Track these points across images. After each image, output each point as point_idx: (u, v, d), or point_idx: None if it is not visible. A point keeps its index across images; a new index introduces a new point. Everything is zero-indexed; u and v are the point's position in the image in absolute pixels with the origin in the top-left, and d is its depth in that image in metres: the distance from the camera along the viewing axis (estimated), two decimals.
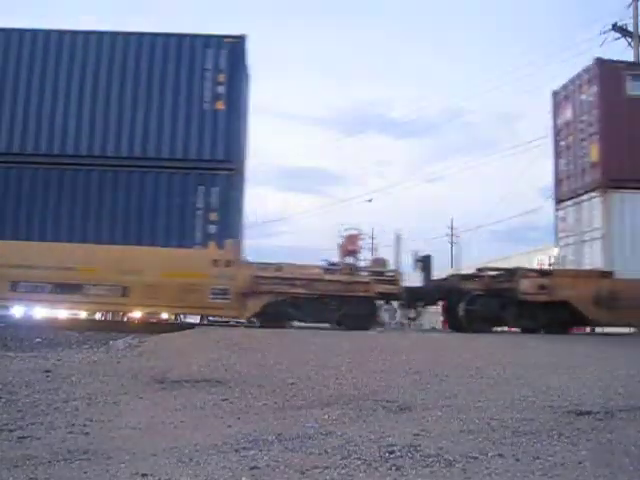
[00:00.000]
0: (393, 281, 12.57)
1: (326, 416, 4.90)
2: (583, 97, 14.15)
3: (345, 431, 4.37)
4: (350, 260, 13.45)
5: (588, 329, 15.89)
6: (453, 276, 14.30)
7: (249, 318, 12.86)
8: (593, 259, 13.39)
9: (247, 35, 12.69)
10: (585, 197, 13.84)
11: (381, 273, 12.78)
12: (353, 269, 12.91)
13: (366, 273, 12.88)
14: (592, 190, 13.50)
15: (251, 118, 14.13)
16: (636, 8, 20.31)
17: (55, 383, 6.23)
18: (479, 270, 14.20)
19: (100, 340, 9.95)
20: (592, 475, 3.39)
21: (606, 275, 12.74)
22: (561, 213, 15.03)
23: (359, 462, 3.60)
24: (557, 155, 15.34)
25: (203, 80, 12.46)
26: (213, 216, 12.17)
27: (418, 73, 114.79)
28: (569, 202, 14.65)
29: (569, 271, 13.57)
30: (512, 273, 13.22)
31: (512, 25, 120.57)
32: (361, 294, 12.24)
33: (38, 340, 10.06)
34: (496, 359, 7.86)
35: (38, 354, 8.46)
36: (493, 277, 13.60)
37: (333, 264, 13.26)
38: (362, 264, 13.59)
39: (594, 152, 13.54)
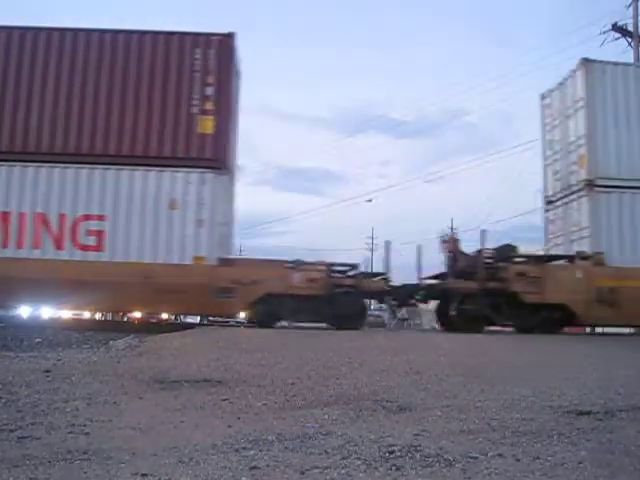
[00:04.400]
0: None
1: (326, 416, 4.90)
2: None
3: (345, 431, 4.37)
4: None
5: (588, 329, 15.72)
6: None
7: None
8: None
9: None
10: None
11: None
12: None
13: None
14: None
15: (250, 117, 14.30)
16: (636, 8, 20.30)
17: (55, 383, 6.23)
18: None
19: (100, 340, 9.96)
20: (592, 475, 3.39)
21: None
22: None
23: (359, 462, 3.60)
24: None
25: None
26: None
27: (418, 73, 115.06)
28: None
29: None
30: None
31: (512, 25, 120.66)
32: None
33: (38, 340, 10.07)
34: (496, 359, 7.87)
35: (38, 354, 8.47)
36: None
37: None
38: None
39: None
